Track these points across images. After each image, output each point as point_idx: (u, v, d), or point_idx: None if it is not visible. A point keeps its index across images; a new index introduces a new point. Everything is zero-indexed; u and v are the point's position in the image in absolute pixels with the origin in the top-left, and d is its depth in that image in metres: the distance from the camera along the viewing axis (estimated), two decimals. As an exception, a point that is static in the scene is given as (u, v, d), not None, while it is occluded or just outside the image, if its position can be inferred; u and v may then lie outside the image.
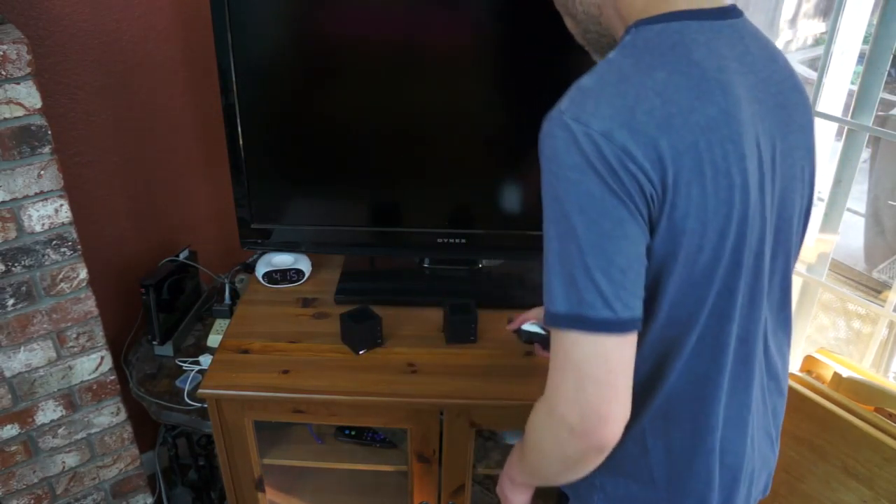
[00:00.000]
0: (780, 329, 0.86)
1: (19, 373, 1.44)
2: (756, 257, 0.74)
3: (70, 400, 1.54)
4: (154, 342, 1.61)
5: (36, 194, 1.32)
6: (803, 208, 0.82)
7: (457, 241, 1.46)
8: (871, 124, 1.61)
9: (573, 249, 0.66)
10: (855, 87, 1.62)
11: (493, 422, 1.29)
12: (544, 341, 1.14)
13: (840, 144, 1.63)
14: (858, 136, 1.62)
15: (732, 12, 0.74)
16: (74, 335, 1.48)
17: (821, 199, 1.67)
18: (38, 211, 1.34)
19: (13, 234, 1.33)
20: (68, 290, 1.43)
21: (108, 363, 1.55)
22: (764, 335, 0.82)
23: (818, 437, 1.51)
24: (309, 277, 1.57)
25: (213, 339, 1.64)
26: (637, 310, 0.68)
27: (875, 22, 1.53)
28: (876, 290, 2.77)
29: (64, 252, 1.40)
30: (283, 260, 1.56)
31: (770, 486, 0.95)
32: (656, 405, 0.79)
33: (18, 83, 1.23)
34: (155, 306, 1.55)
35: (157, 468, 1.85)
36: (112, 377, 1.57)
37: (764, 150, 0.72)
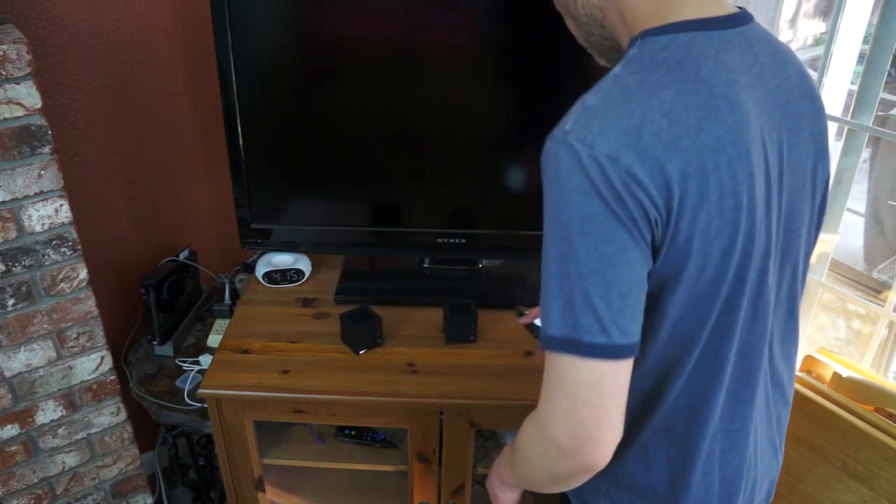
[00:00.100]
0: (788, 338, 0.86)
1: (19, 373, 1.44)
2: (760, 272, 0.73)
3: (70, 400, 1.54)
4: (154, 342, 1.61)
5: (36, 194, 1.32)
6: (814, 216, 0.81)
7: (457, 241, 1.46)
8: (871, 124, 1.61)
9: (573, 273, 0.65)
10: (855, 87, 1.62)
11: (493, 422, 1.29)
12: None
13: (840, 144, 1.63)
14: (858, 136, 1.62)
15: (742, 19, 0.72)
16: (74, 335, 1.48)
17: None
18: (38, 211, 1.34)
19: (13, 234, 1.33)
20: (68, 290, 1.43)
21: (108, 363, 1.56)
22: (769, 346, 0.82)
23: (818, 437, 1.51)
24: (309, 277, 1.57)
25: (213, 339, 1.64)
26: (634, 336, 0.67)
27: (875, 22, 1.53)
28: (876, 290, 2.77)
29: (64, 252, 1.40)
30: (283, 260, 1.56)
31: (773, 493, 0.95)
32: (658, 420, 0.79)
33: (18, 83, 1.23)
34: (155, 306, 1.55)
35: (157, 468, 1.85)
36: (112, 377, 1.57)
37: (771, 164, 0.71)
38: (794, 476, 1.58)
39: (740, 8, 0.74)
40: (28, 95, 1.25)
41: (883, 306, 1.70)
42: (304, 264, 1.56)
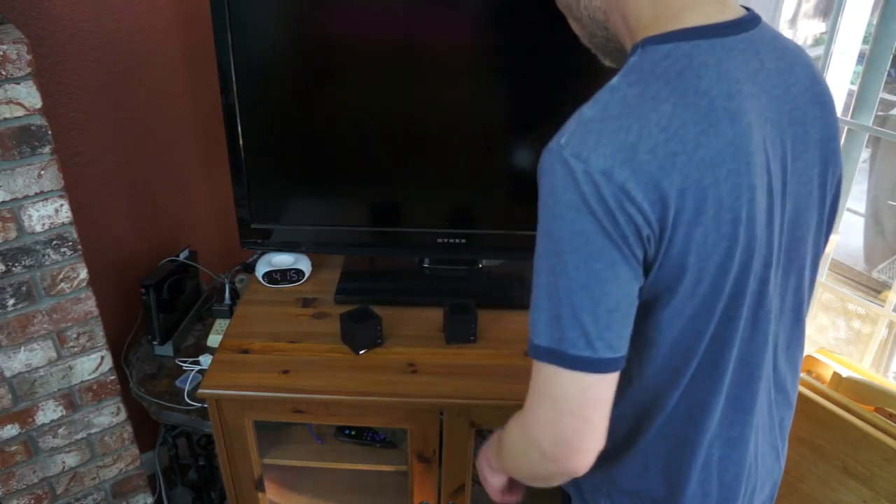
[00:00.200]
0: (794, 343, 0.86)
1: (19, 373, 1.44)
2: (760, 283, 0.73)
3: (70, 400, 1.54)
4: (154, 342, 1.61)
5: (36, 194, 1.32)
6: (822, 222, 0.80)
7: (457, 241, 1.46)
8: (870, 124, 1.61)
9: (561, 286, 0.65)
10: (855, 87, 1.62)
11: (493, 422, 1.29)
12: None
13: (840, 144, 1.63)
14: (858, 136, 1.62)
15: (749, 23, 0.70)
16: (74, 335, 1.48)
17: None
18: (38, 211, 1.34)
19: (13, 234, 1.33)
20: (68, 290, 1.43)
21: (108, 363, 1.56)
22: (773, 353, 0.82)
23: (818, 437, 1.51)
24: (309, 277, 1.57)
25: (213, 339, 1.64)
26: (620, 350, 0.68)
27: (875, 22, 1.53)
28: (876, 290, 2.77)
29: (64, 252, 1.40)
30: (283, 260, 1.56)
31: (775, 495, 0.95)
32: (656, 428, 0.79)
33: (18, 83, 1.23)
34: (155, 306, 1.55)
35: (157, 468, 1.85)
36: (112, 377, 1.57)
37: (774, 175, 0.70)
38: (794, 476, 1.58)
39: (748, 9, 0.73)
40: (28, 95, 1.25)
41: (883, 306, 1.70)
42: (304, 264, 1.56)
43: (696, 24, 0.67)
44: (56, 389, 1.50)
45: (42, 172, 1.32)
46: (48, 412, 1.52)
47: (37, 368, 1.46)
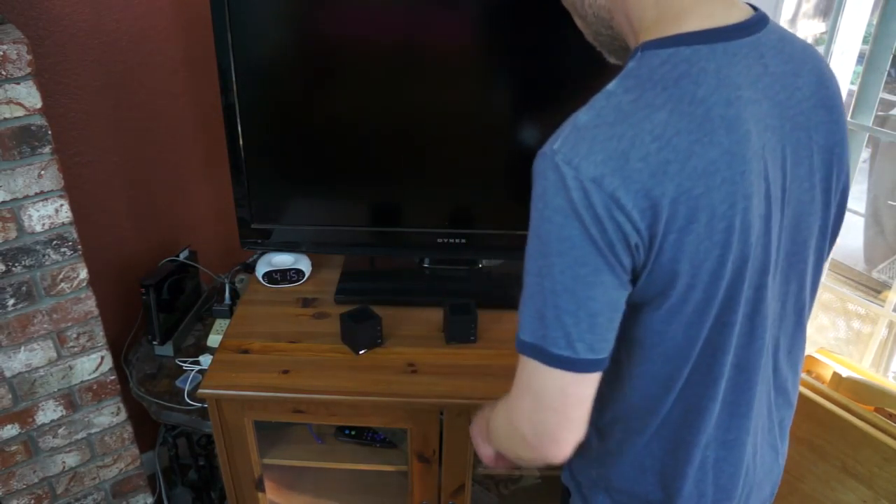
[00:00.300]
0: (796, 346, 0.86)
1: (19, 373, 1.44)
2: (757, 290, 0.73)
3: (70, 400, 1.54)
4: (154, 342, 1.61)
5: (36, 194, 1.32)
6: (827, 227, 0.79)
7: (457, 241, 1.46)
8: (870, 124, 1.61)
9: (547, 287, 0.67)
10: (855, 87, 1.62)
11: (493, 422, 1.29)
12: None
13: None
14: (858, 136, 1.62)
15: (755, 26, 0.69)
16: (74, 335, 1.48)
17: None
18: (38, 211, 1.34)
19: (13, 234, 1.33)
20: (68, 290, 1.43)
21: (108, 363, 1.56)
22: (774, 357, 0.82)
23: (818, 437, 1.51)
24: (309, 277, 1.57)
25: (213, 339, 1.64)
26: (601, 353, 0.69)
27: (875, 22, 1.53)
28: (876, 290, 2.77)
29: (64, 252, 1.40)
30: (283, 260, 1.56)
31: (775, 493, 0.95)
32: (651, 431, 0.80)
33: (18, 83, 1.23)
34: (155, 306, 1.55)
35: (157, 468, 1.85)
36: (112, 377, 1.57)
37: (773, 181, 0.69)
38: (794, 476, 1.58)
39: (756, 10, 0.72)
40: (28, 95, 1.25)
41: (883, 306, 1.70)
42: (304, 264, 1.56)
43: (699, 28, 0.67)
44: (56, 389, 1.50)
45: (42, 172, 1.32)
46: (48, 412, 1.52)
47: (37, 368, 1.46)
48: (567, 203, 0.63)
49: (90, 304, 1.47)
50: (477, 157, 1.42)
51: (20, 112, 1.25)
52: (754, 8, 0.72)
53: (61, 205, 1.36)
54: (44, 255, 1.37)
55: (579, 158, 0.63)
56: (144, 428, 1.82)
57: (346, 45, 1.32)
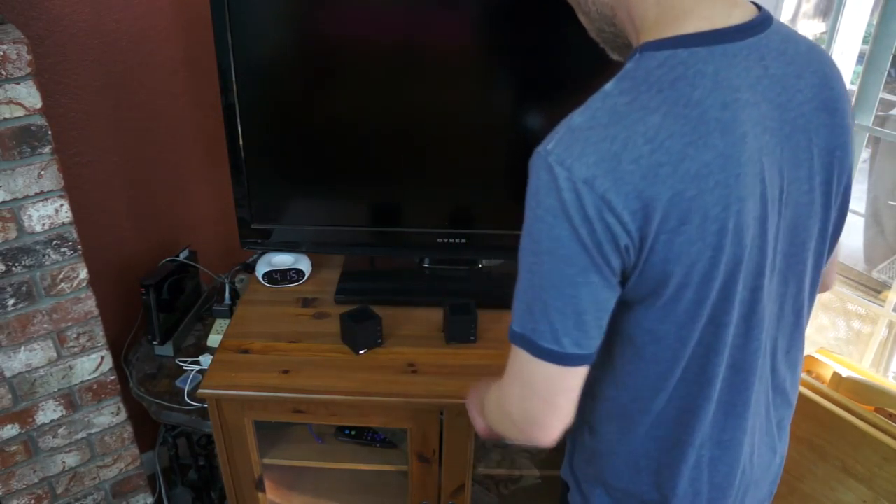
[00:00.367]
0: (795, 347, 0.86)
1: (19, 373, 1.44)
2: (752, 291, 0.73)
3: (70, 400, 1.54)
4: (154, 342, 1.61)
5: (36, 194, 1.32)
6: (827, 229, 0.79)
7: (457, 241, 1.46)
8: (870, 124, 1.61)
9: (536, 283, 0.70)
10: (855, 87, 1.62)
11: (493, 422, 1.29)
12: None
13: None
14: (858, 136, 1.62)
15: (758, 27, 0.69)
16: (74, 335, 1.48)
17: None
18: (38, 211, 1.34)
19: (13, 234, 1.33)
20: (68, 290, 1.43)
21: (108, 363, 1.56)
22: (772, 357, 0.82)
23: (818, 437, 1.51)
24: (309, 277, 1.57)
25: (213, 339, 1.64)
26: (588, 348, 0.71)
27: (875, 22, 1.53)
28: (876, 290, 2.77)
29: (64, 252, 1.40)
30: (283, 260, 1.56)
31: (774, 492, 0.95)
32: (645, 431, 0.81)
33: (18, 83, 1.23)
34: (155, 306, 1.55)
35: (157, 468, 1.85)
36: (112, 377, 1.58)
37: (769, 183, 0.69)
38: (794, 476, 1.58)
39: (760, 9, 0.71)
40: (28, 95, 1.25)
41: (883, 306, 1.70)
42: (304, 264, 1.56)
43: (699, 30, 0.67)
44: (56, 389, 1.50)
45: (42, 172, 1.32)
46: (48, 412, 1.52)
47: (37, 368, 1.46)
48: (558, 203, 0.65)
49: (90, 304, 1.47)
50: (477, 157, 1.42)
51: (20, 112, 1.25)
52: (759, 7, 0.72)
53: (61, 205, 1.36)
54: (44, 255, 1.37)
55: (572, 159, 0.64)
56: (144, 428, 1.82)
57: (347, 45, 1.32)
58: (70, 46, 1.52)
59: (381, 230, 1.49)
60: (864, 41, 1.64)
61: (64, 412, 1.54)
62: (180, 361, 1.61)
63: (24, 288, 1.38)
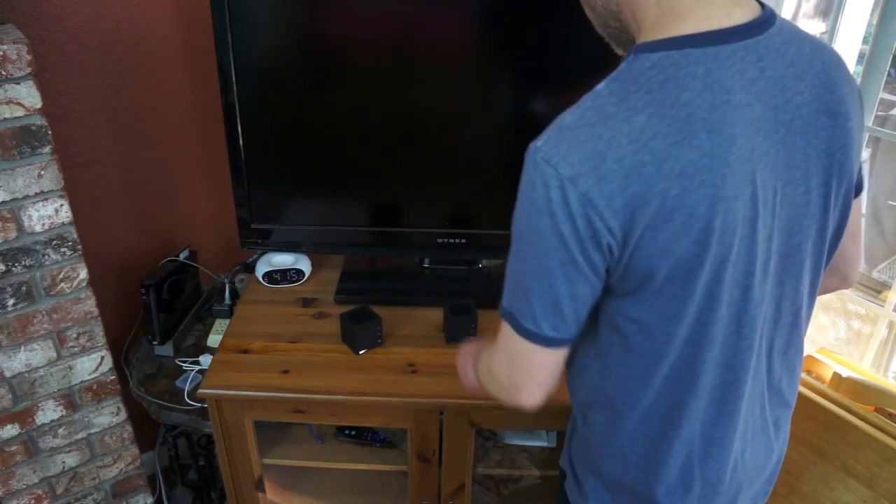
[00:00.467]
0: (793, 347, 0.86)
1: (19, 373, 1.44)
2: (743, 290, 0.73)
3: (70, 400, 1.54)
4: (154, 342, 1.61)
5: (36, 194, 1.32)
6: (826, 230, 0.79)
7: (457, 241, 1.46)
8: (870, 124, 1.61)
9: (520, 269, 0.74)
10: (855, 87, 1.62)
11: (493, 422, 1.30)
12: None
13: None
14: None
15: (758, 28, 0.68)
16: (74, 335, 1.48)
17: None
18: (38, 211, 1.34)
19: (13, 234, 1.33)
20: (68, 290, 1.43)
21: (108, 363, 1.56)
22: (767, 357, 0.82)
23: (818, 437, 1.51)
24: (309, 277, 1.57)
25: (213, 339, 1.64)
26: (566, 333, 0.75)
27: (875, 22, 1.53)
28: (876, 290, 2.77)
29: (64, 252, 1.40)
30: (283, 260, 1.56)
31: (769, 491, 0.95)
32: (632, 426, 0.82)
33: (18, 83, 1.23)
34: (155, 306, 1.55)
35: (157, 468, 1.85)
36: (112, 377, 1.57)
37: (761, 184, 0.69)
38: (794, 476, 1.58)
39: (765, 8, 0.71)
40: (28, 95, 1.25)
41: (883, 306, 1.70)
42: (304, 264, 1.56)
43: (695, 31, 0.67)
44: (56, 389, 1.50)
45: (42, 172, 1.32)
46: (48, 412, 1.52)
47: (37, 368, 1.46)
48: (543, 199, 0.68)
49: (90, 304, 1.47)
50: (477, 157, 1.42)
51: (20, 112, 1.25)
52: (763, 6, 0.71)
53: (61, 205, 1.36)
54: (44, 255, 1.37)
55: (558, 157, 0.66)
56: (144, 428, 1.82)
57: (346, 46, 1.32)
58: (70, 46, 1.52)
59: (381, 230, 1.49)
60: (864, 41, 1.64)
61: (64, 412, 1.54)
62: (180, 361, 1.61)
63: (23, 288, 1.38)
